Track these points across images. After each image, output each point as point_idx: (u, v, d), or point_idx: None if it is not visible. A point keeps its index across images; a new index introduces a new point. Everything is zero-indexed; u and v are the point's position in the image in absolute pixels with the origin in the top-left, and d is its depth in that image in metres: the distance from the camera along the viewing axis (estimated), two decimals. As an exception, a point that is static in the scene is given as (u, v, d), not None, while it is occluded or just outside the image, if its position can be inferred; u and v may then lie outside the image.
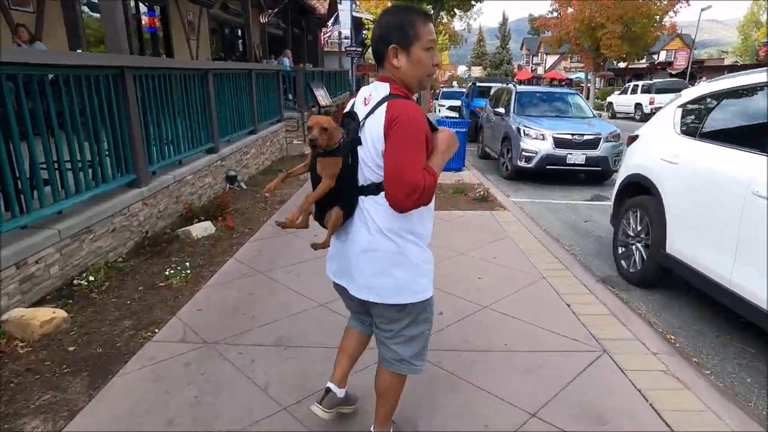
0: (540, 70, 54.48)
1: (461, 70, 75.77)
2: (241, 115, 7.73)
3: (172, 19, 11.53)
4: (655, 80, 22.35)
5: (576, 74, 47.26)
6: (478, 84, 16.50)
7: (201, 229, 4.61)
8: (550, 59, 53.85)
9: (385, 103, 1.49)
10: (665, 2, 25.11)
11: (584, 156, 7.71)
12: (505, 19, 61.21)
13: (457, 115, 19.08)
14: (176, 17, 11.63)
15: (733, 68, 38.63)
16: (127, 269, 3.85)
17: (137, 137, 4.34)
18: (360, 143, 1.56)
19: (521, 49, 63.43)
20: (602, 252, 4.85)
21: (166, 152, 5.04)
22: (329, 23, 16.59)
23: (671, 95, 20.15)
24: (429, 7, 13.25)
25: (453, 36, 31.14)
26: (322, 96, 13.20)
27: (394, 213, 1.52)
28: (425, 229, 1.67)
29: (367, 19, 28.33)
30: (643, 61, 41.59)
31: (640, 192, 3.99)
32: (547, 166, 7.87)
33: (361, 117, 1.58)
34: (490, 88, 16.53)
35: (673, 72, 41.10)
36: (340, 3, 27.13)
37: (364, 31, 29.08)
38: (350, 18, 28.08)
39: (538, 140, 7.88)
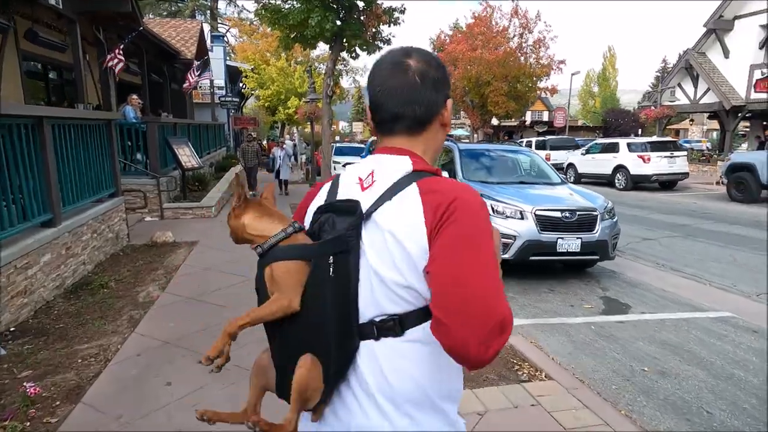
0: (422, 127, 55.65)
1: (342, 125, 75.80)
2: (12, 198, 4.15)
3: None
4: (548, 137, 22.47)
5: (456, 130, 48.87)
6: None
7: None
8: (431, 116, 55.39)
9: (413, 184, 0.93)
10: (542, 65, 26.16)
11: (579, 241, 5.41)
12: (386, 77, 62.24)
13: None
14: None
15: (587, 128, 42.93)
16: None
17: None
18: (349, 248, 0.92)
19: (402, 106, 64.86)
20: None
21: None
22: (194, 69, 13.28)
23: (564, 152, 19.93)
24: (327, 46, 10.83)
25: (341, 92, 29.46)
26: (188, 155, 9.77)
27: (435, 368, 0.92)
28: (460, 390, 1.02)
29: (244, 68, 25.38)
30: (512, 119, 44.34)
31: None
32: (531, 257, 5.43)
33: (363, 207, 0.94)
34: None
35: (540, 130, 44.31)
36: (211, 50, 24.03)
37: (242, 81, 26.06)
38: (224, 67, 25.06)
39: (514, 219, 5.44)
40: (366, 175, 1.01)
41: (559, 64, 25.22)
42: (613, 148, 16.42)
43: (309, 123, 18.58)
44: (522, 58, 25.88)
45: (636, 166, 15.26)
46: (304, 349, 0.94)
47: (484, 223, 0.88)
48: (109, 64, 9.71)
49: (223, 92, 24.14)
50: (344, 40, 10.68)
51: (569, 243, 5.38)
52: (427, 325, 0.87)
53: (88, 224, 5.73)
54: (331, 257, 0.93)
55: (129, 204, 8.76)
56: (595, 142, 18.37)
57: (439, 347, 0.83)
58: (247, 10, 36.05)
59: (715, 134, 47.30)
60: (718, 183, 15.88)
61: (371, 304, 0.93)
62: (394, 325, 0.91)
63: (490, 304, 0.78)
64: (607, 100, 58.19)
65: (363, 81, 63.81)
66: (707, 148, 31.28)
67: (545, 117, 54.50)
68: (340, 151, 18.57)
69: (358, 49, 10.97)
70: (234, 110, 26.17)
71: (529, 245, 5.34)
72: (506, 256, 5.43)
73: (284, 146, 13.13)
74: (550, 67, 25.57)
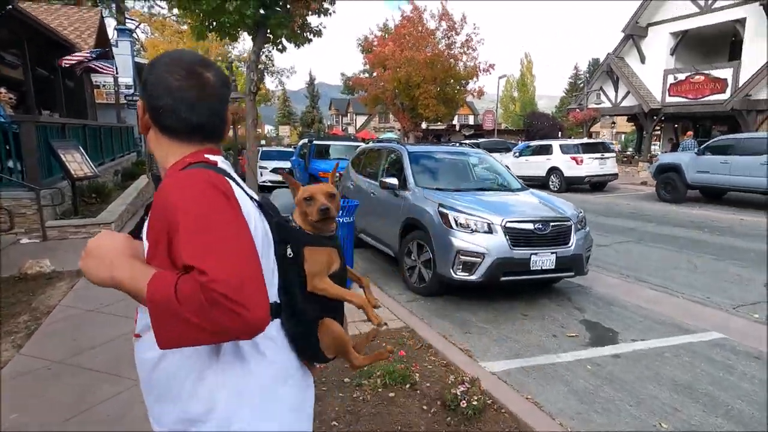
0: (351, 130, 54.89)
1: (268, 128, 73.09)
2: None
3: None
4: (480, 140, 22.37)
5: (386, 133, 48.54)
6: (315, 142, 13.08)
7: None
8: (360, 119, 54.75)
9: None
10: (470, 68, 26.20)
11: (554, 256, 4.69)
12: (312, 79, 60.84)
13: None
14: None
15: (510, 131, 44.14)
16: None
17: None
18: None
19: (329, 109, 63.74)
20: None
21: None
22: (89, 53, 11.21)
23: (497, 154, 19.95)
24: (249, 38, 9.53)
25: (266, 94, 27.77)
26: (78, 162, 8.06)
27: None
28: None
29: (156, 65, 22.98)
30: (442, 123, 44.84)
31: None
32: (503, 278, 4.63)
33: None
34: (329, 146, 13.49)
35: (467, 133, 45.06)
36: (116, 45, 21.59)
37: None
38: (132, 64, 22.59)
39: (481, 234, 4.61)
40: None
41: (488, 67, 25.38)
42: (546, 151, 16.44)
43: (231, 125, 16.95)
44: (451, 61, 25.78)
45: (569, 167, 15.33)
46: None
47: None
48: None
49: (131, 91, 21.69)
50: (268, 30, 9.46)
51: (543, 259, 4.64)
52: None
53: None
54: None
55: (-6, 223, 6.98)
56: (527, 144, 18.43)
57: None
58: (159, 6, 33.00)
59: (623, 137, 50.86)
60: (643, 183, 16.41)
61: None
62: None
63: None
64: (526, 105, 60.83)
65: (288, 83, 61.70)
66: (618, 149, 33.18)
67: (471, 120, 55.88)
68: (268, 156, 17.14)
69: (284, 41, 9.79)
70: (145, 111, 23.62)
71: (500, 264, 4.53)
72: (473, 277, 4.58)
73: None
74: (476, 69, 25.66)
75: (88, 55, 10.61)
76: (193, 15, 9.34)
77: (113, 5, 34.38)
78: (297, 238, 1.15)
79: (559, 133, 34.13)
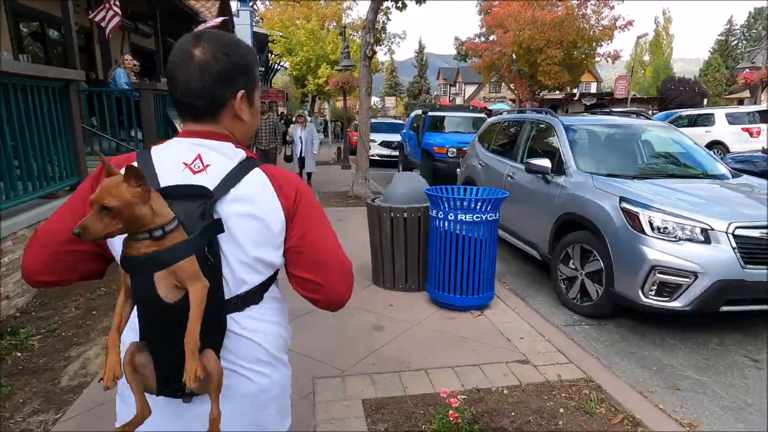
0: (459, 100, 52.59)
1: (374, 100, 73.19)
2: None
3: None
4: (615, 110, 19.58)
5: (496, 104, 45.71)
6: (431, 113, 11.92)
7: None
8: (469, 89, 52.18)
9: (257, 170, 1.00)
10: (603, 28, 22.99)
11: (809, 281, 3.15)
12: (422, 48, 58.97)
13: (398, 154, 14.58)
14: None
15: (639, 99, 38.68)
16: None
17: None
18: (221, 228, 0.94)
19: (437, 78, 61.74)
20: None
21: None
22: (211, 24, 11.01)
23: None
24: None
25: (375, 63, 27.04)
26: (193, 133, 7.82)
27: (284, 324, 1.12)
28: None
29: (274, 33, 23.23)
30: (562, 92, 40.94)
31: None
32: (724, 307, 3.22)
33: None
34: (444, 118, 12.24)
35: (588, 103, 40.60)
36: (237, 15, 22.03)
37: (269, 50, 24.01)
38: (251, 34, 23.10)
39: (692, 244, 3.22)
40: (192, 159, 0.98)
41: (626, 24, 22.01)
42: (705, 121, 13.64)
43: (341, 95, 16.40)
44: (581, 18, 22.76)
45: (738, 141, 12.50)
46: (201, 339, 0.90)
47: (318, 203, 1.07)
48: (98, 17, 7.78)
49: (249, 62, 22.29)
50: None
51: (791, 285, 3.13)
52: (273, 287, 1.07)
53: (19, 236, 3.85)
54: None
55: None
56: (676, 113, 15.58)
57: (281, 303, 1.10)
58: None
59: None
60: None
61: (234, 282, 0.98)
62: (255, 295, 1.02)
63: (346, 262, 1.06)
64: (659, 70, 53.32)
65: (396, 53, 60.38)
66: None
67: (593, 88, 50.46)
68: (374, 128, 16.36)
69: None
70: (260, 81, 24.31)
71: (723, 287, 3.12)
72: (675, 304, 3.22)
73: (307, 125, 10.53)
74: (612, 28, 22.37)
75: (212, 24, 10.38)
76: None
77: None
78: None
79: (704, 101, 29.19)
